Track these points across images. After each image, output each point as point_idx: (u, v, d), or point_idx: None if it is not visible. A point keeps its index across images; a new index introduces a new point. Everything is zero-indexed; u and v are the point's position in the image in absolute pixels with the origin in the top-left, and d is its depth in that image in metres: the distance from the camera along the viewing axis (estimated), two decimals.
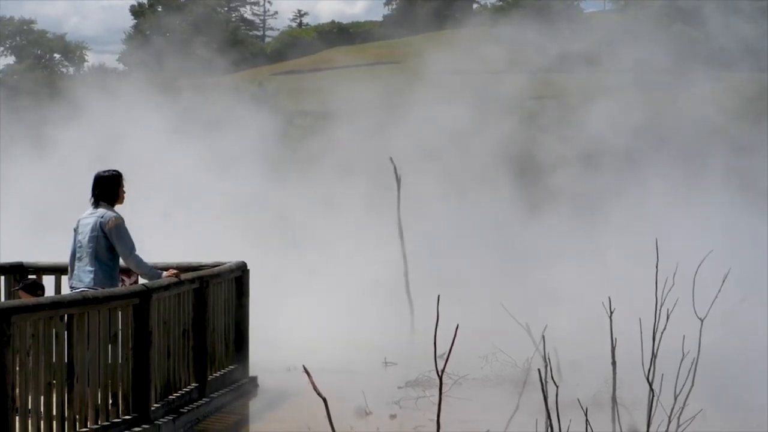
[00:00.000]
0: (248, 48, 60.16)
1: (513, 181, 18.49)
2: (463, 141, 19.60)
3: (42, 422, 6.65)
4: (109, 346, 7.39)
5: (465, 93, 22.41)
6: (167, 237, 12.67)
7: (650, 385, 5.70)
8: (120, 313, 7.54)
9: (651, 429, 5.73)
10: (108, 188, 7.99)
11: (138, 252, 7.96)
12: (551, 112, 25.21)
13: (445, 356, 4.74)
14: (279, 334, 11.67)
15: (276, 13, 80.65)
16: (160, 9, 59.41)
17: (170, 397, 8.26)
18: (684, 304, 6.17)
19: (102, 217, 7.86)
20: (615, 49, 23.63)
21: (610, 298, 5.92)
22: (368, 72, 32.21)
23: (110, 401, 7.40)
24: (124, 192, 8.10)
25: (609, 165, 19.08)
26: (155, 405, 7.90)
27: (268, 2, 77.49)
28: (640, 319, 5.89)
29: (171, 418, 8.10)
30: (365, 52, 43.33)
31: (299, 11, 78.18)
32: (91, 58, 69.80)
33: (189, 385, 8.70)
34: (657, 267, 6.01)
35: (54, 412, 6.81)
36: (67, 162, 17.80)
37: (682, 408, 5.71)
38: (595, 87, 22.80)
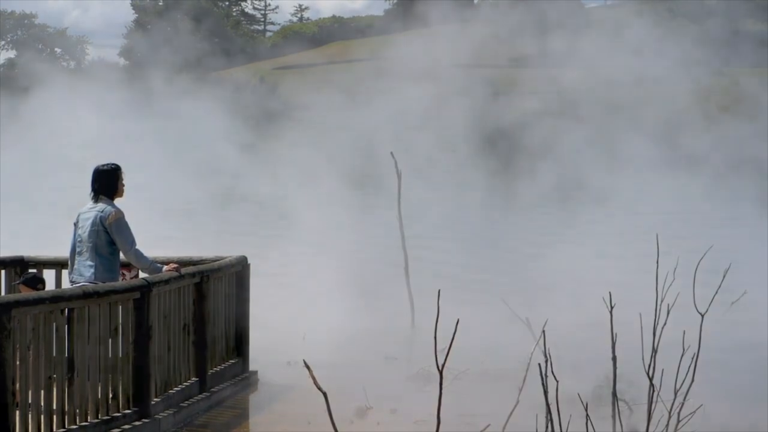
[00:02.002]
0: (248, 42, 60.12)
1: (491, 167, 18.38)
2: (440, 128, 19.72)
3: (42, 416, 6.66)
4: (110, 340, 7.40)
5: (442, 83, 22.50)
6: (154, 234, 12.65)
7: (650, 380, 5.70)
8: (120, 307, 7.55)
9: (651, 424, 5.74)
10: (107, 182, 8.00)
11: (138, 246, 7.98)
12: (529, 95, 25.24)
13: (445, 351, 4.74)
14: (279, 328, 11.68)
15: (277, 7, 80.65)
16: (161, 3, 59.32)
17: (170, 391, 8.27)
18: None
19: (102, 211, 7.87)
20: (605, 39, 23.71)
21: (610, 294, 5.91)
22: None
23: (110, 395, 7.41)
24: (123, 185, 8.11)
25: (587, 141, 19.18)
26: (155, 399, 7.91)
27: None
28: (640, 314, 5.89)
29: (171, 412, 8.11)
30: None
31: (300, 6, 78.18)
32: (92, 53, 69.72)
33: (189, 379, 8.71)
34: (657, 263, 6.01)
35: (54, 406, 6.82)
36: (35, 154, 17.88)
37: (682, 403, 5.72)
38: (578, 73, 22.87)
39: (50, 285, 9.36)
